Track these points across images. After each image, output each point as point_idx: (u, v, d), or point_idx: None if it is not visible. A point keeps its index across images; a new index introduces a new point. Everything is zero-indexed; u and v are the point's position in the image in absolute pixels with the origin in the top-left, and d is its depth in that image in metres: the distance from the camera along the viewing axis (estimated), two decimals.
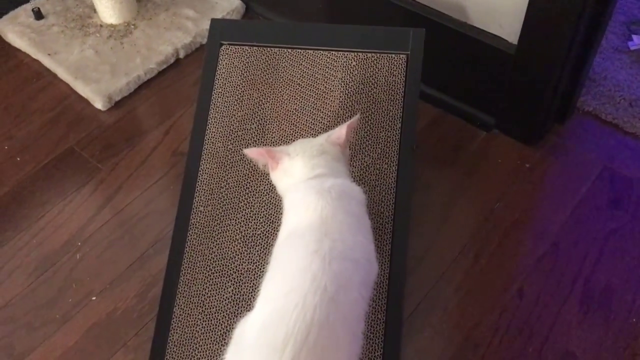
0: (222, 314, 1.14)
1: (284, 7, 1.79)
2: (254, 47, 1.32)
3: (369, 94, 1.27)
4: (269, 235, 1.18)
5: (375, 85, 1.27)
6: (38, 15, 1.80)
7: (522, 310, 1.26)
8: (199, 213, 1.22)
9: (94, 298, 1.31)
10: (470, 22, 1.43)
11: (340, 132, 1.04)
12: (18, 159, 1.56)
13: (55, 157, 1.56)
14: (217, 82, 1.30)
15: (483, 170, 1.49)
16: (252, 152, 1.05)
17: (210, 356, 1.11)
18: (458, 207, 1.42)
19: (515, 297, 1.28)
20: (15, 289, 1.33)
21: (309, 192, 0.95)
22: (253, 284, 1.15)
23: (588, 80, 1.57)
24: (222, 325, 1.13)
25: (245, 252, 1.18)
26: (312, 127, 1.26)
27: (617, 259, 1.33)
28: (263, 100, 1.29)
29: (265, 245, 1.17)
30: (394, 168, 1.21)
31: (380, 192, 1.19)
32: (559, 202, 1.42)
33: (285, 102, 1.29)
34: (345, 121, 1.23)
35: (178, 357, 1.12)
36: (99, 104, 1.64)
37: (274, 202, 1.19)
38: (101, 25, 1.79)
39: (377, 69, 1.28)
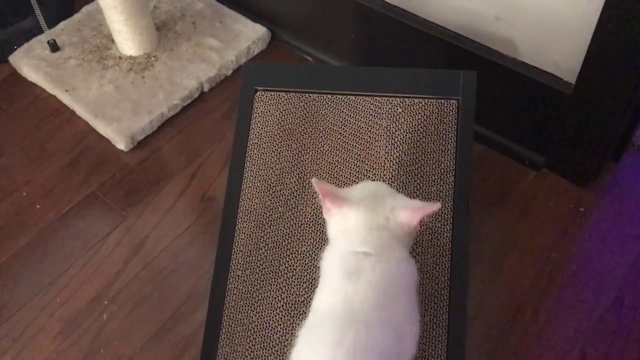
0: None
1: (312, 34, 1.69)
2: (291, 93, 1.22)
3: (418, 143, 1.17)
4: None
5: (424, 133, 1.17)
6: (54, 47, 1.71)
7: None
8: (237, 277, 1.13)
9: None
10: (522, 59, 1.32)
11: (413, 216, 0.90)
12: (38, 206, 1.47)
13: (77, 203, 1.47)
14: (252, 131, 1.21)
15: (535, 215, 1.39)
16: (318, 185, 0.90)
17: None
18: (510, 257, 1.32)
19: None
20: (40, 355, 1.24)
21: (341, 271, 0.88)
22: None
23: None
24: None
25: (288, 322, 1.09)
26: (356, 180, 1.16)
27: None
28: (302, 152, 1.20)
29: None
30: (448, 227, 1.11)
31: (434, 254, 1.10)
32: (619, 251, 1.32)
33: (327, 153, 1.19)
34: (391, 174, 1.15)
35: None
36: (121, 144, 1.55)
37: (318, 265, 1.10)
38: (120, 57, 1.70)
39: (425, 116, 1.18)
